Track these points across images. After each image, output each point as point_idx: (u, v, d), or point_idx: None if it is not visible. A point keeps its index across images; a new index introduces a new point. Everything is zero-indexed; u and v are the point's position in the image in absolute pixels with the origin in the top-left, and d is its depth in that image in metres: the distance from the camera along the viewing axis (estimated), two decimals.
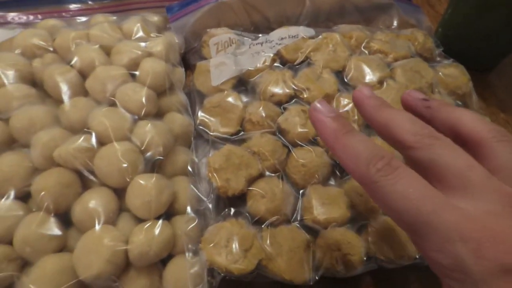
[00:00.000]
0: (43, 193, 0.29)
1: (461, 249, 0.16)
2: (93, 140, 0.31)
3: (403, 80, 0.41)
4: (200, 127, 0.38)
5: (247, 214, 0.33)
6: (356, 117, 0.38)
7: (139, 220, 0.30)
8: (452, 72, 0.44)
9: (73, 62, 0.36)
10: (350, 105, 0.39)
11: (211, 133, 0.38)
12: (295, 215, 0.34)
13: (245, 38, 0.46)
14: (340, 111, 0.39)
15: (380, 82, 0.41)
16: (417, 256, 0.31)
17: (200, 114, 0.39)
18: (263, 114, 0.38)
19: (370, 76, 0.41)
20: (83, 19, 0.43)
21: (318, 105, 0.23)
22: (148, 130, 0.33)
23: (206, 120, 0.38)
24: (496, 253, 0.16)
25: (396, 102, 0.39)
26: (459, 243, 0.16)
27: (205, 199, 0.33)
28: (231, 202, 0.34)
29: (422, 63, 0.44)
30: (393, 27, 0.52)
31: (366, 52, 0.45)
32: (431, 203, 0.17)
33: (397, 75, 0.42)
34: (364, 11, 0.51)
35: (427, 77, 0.42)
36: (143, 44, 0.39)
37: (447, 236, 0.16)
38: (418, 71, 0.42)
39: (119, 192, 0.31)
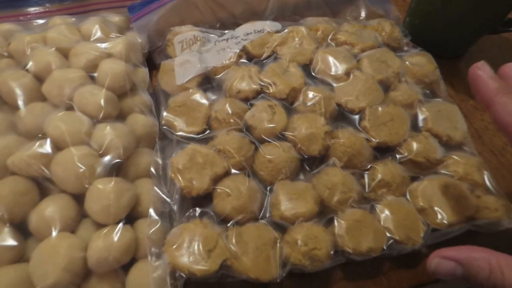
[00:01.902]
0: None
1: None
2: (48, 145, 0.30)
3: (369, 70, 0.41)
4: (165, 127, 0.37)
5: (214, 214, 0.32)
6: (323, 110, 0.38)
7: (101, 226, 0.30)
8: (419, 61, 0.44)
9: (28, 66, 0.35)
10: (317, 98, 0.38)
11: (176, 133, 0.37)
12: (262, 212, 0.33)
13: (211, 35, 0.46)
14: (308, 104, 0.38)
15: (347, 73, 0.41)
16: (385, 247, 0.31)
17: (164, 114, 0.38)
18: (230, 111, 0.37)
19: (336, 68, 0.41)
20: (41, 22, 0.42)
21: (481, 64, 0.26)
22: (107, 133, 0.32)
23: (171, 120, 0.38)
24: None
25: (363, 93, 0.39)
26: None
27: (169, 200, 0.32)
28: (197, 202, 0.33)
29: (389, 53, 0.43)
30: (361, 18, 0.51)
31: (333, 44, 0.45)
32: None
33: (364, 66, 0.42)
34: (331, 3, 0.51)
35: (394, 66, 0.42)
36: (102, 45, 0.38)
37: None
38: (384, 61, 0.42)
39: (80, 198, 0.31)
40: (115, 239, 0.28)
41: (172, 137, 0.37)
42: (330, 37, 0.45)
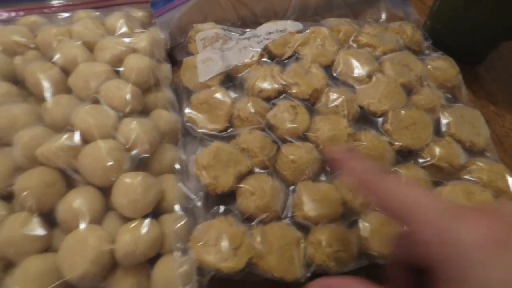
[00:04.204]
0: (25, 192, 0.28)
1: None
2: (76, 138, 0.30)
3: (392, 73, 0.41)
4: (188, 124, 0.37)
5: (237, 212, 0.32)
6: (346, 112, 0.38)
7: (126, 219, 0.30)
8: (441, 65, 0.44)
9: (55, 59, 0.35)
10: (340, 100, 0.38)
11: (199, 130, 0.37)
12: (285, 212, 0.33)
13: (232, 33, 0.46)
14: (330, 106, 0.38)
15: (369, 76, 0.41)
16: None
17: (187, 110, 0.38)
18: (252, 110, 0.37)
19: (358, 70, 0.41)
20: (65, 15, 0.42)
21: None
22: (133, 128, 0.32)
23: (194, 116, 0.38)
24: None
25: (385, 96, 0.39)
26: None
27: (193, 196, 0.32)
28: (221, 199, 0.33)
29: (411, 56, 0.43)
30: (381, 20, 0.51)
31: (355, 46, 0.45)
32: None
33: (386, 68, 0.42)
34: (352, 5, 0.51)
35: (416, 70, 0.42)
36: (127, 40, 0.38)
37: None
38: (406, 65, 0.42)
39: (105, 191, 0.31)
40: (143, 233, 0.28)
41: (195, 134, 0.37)
42: (351, 38, 0.45)
